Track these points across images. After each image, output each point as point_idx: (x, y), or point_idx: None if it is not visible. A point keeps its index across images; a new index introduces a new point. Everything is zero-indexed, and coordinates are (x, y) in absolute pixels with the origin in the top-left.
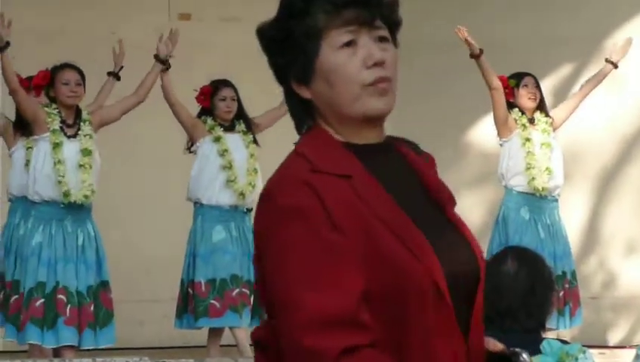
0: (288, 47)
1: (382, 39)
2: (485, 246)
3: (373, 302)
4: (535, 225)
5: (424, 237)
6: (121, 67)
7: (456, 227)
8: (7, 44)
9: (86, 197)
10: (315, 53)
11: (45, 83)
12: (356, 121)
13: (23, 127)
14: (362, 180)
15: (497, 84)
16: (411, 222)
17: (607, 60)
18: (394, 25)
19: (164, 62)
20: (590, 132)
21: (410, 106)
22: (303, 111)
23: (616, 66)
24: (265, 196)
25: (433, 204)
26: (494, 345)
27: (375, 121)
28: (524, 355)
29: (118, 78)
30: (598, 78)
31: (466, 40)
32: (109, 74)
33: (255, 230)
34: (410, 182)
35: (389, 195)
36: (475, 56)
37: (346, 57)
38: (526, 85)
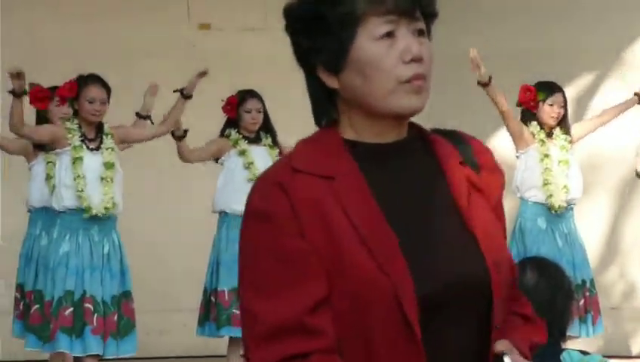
0: (318, 30)
1: (420, 32)
2: None
3: (337, 308)
4: (552, 234)
5: (398, 248)
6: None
7: (472, 236)
8: (24, 92)
9: (107, 209)
10: (350, 41)
11: (71, 96)
12: (384, 117)
13: (42, 145)
14: (346, 182)
15: (506, 107)
16: (389, 231)
17: (636, 94)
18: (430, 17)
19: (188, 97)
20: (610, 143)
21: (430, 118)
22: (325, 100)
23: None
24: (247, 198)
25: (451, 210)
26: (497, 345)
27: (405, 118)
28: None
29: (148, 118)
30: (621, 108)
31: (477, 65)
32: (138, 115)
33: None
34: (425, 184)
35: (372, 200)
36: (483, 84)
37: (383, 49)
38: (552, 105)
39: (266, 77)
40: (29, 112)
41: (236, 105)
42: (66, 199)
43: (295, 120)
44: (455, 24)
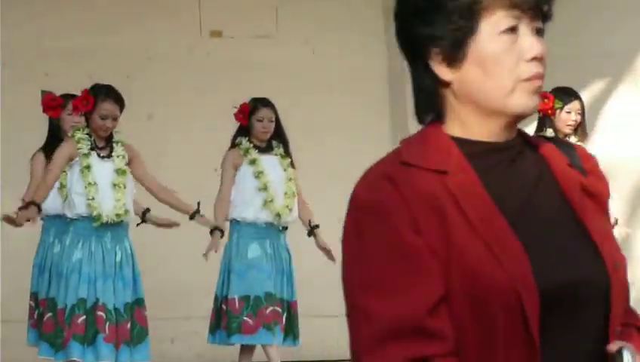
0: (437, 19)
1: (538, 31)
2: None
3: (455, 309)
4: None
5: (519, 244)
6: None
7: (589, 238)
8: (39, 208)
9: (118, 216)
10: (472, 32)
11: (86, 109)
12: (499, 116)
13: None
14: (461, 177)
15: None
16: (507, 227)
17: None
18: (545, 18)
19: (195, 213)
20: (622, 151)
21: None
22: (434, 94)
23: None
24: (352, 192)
25: (566, 211)
26: (613, 345)
27: (521, 118)
28: (627, 352)
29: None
30: None
31: None
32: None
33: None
34: (537, 185)
35: (487, 196)
36: None
37: (506, 45)
38: (569, 112)
39: (278, 85)
40: (42, 120)
41: (248, 113)
42: (77, 207)
43: (306, 128)
44: None
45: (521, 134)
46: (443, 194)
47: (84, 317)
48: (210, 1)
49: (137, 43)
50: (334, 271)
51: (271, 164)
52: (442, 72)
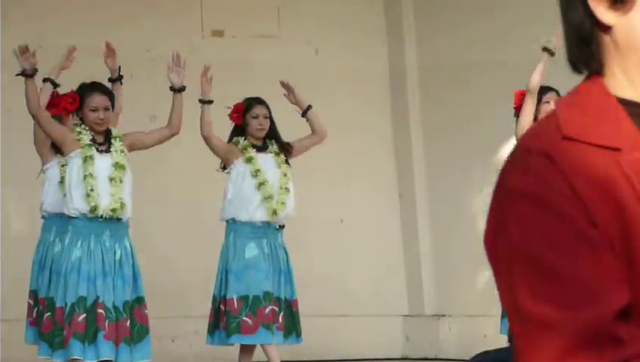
0: None
1: None
2: None
3: (635, 310)
4: None
5: None
6: (119, 72)
7: None
8: (35, 70)
9: (114, 210)
10: None
11: (73, 109)
12: None
13: (56, 146)
14: (636, 155)
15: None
16: None
17: (544, 49)
18: None
19: (181, 90)
20: None
21: (443, 127)
22: (590, 39)
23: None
24: (499, 174)
25: None
26: None
27: None
28: None
29: (119, 80)
30: (541, 71)
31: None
32: (110, 80)
33: (488, 218)
34: None
35: None
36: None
37: None
38: (548, 102)
39: (279, 85)
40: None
41: (243, 111)
42: (75, 200)
43: (308, 127)
44: (456, 33)
45: None
46: (617, 178)
47: (85, 315)
48: (212, 0)
49: (139, 43)
50: (338, 272)
51: (267, 162)
52: (602, 13)
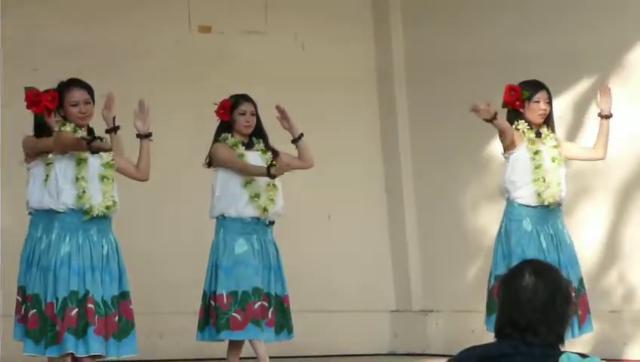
0: None
1: None
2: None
3: None
4: (537, 236)
5: None
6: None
7: None
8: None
9: (108, 208)
10: None
11: (54, 107)
12: None
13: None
14: None
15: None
16: None
17: (599, 115)
18: None
19: (147, 136)
20: (612, 145)
21: (430, 121)
22: None
23: (609, 116)
24: None
25: None
26: None
27: None
28: None
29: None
30: (603, 136)
31: (478, 110)
32: (107, 131)
33: None
34: None
35: None
36: (489, 120)
37: None
38: (538, 101)
39: (267, 80)
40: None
41: (230, 108)
42: (66, 198)
43: (295, 122)
44: (446, 26)
45: None
46: None
47: (77, 309)
48: None
49: (126, 37)
50: (326, 267)
51: (255, 160)
52: None
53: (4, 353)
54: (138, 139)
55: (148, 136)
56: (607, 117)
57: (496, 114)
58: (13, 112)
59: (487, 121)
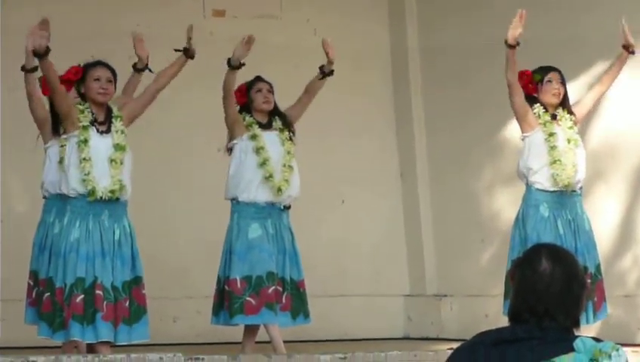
0: None
1: None
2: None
3: None
4: (554, 221)
5: None
6: (147, 63)
7: None
8: (48, 49)
9: (112, 192)
10: None
11: (77, 78)
12: None
13: (55, 125)
14: None
15: (516, 79)
16: None
17: (625, 47)
18: None
19: (192, 57)
20: (627, 128)
21: (444, 104)
22: None
23: (630, 51)
24: None
25: None
26: None
27: None
28: None
29: (143, 70)
30: (617, 67)
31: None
32: (135, 69)
33: None
34: None
35: None
36: (510, 45)
37: None
38: (550, 81)
39: (280, 65)
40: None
41: (246, 90)
42: (73, 181)
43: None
44: (460, 4)
45: None
46: None
47: (83, 296)
48: None
49: (139, 22)
50: (340, 252)
51: (271, 140)
52: None
53: (5, 334)
54: (143, 129)
55: (191, 56)
56: (632, 52)
57: (518, 43)
58: (16, 99)
59: (510, 42)
